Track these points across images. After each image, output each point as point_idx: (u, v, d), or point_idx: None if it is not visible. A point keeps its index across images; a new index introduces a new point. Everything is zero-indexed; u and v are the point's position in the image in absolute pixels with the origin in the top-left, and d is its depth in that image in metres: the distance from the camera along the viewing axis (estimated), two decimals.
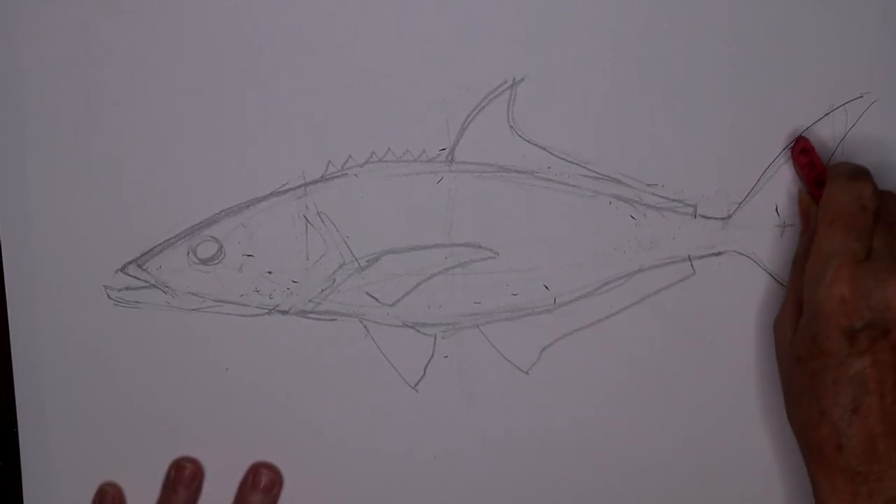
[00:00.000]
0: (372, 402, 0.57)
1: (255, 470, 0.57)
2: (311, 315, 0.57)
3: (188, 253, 0.56)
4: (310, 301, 0.56)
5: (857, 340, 0.47)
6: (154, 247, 0.56)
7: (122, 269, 0.56)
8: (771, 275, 0.57)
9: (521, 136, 0.56)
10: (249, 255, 0.56)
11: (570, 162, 0.56)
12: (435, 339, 0.57)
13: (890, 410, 0.47)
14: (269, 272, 0.56)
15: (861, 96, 0.56)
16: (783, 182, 0.57)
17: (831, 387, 0.47)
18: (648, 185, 0.57)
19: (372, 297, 0.57)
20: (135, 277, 0.56)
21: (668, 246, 0.57)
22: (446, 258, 0.56)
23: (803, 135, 0.55)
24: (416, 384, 0.57)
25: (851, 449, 0.47)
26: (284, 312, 0.56)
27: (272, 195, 0.56)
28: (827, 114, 0.56)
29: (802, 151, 0.55)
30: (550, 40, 0.56)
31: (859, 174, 0.51)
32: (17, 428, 0.57)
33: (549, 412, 0.57)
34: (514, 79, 0.56)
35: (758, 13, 0.56)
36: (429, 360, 0.57)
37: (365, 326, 0.57)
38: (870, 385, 0.47)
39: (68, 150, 0.55)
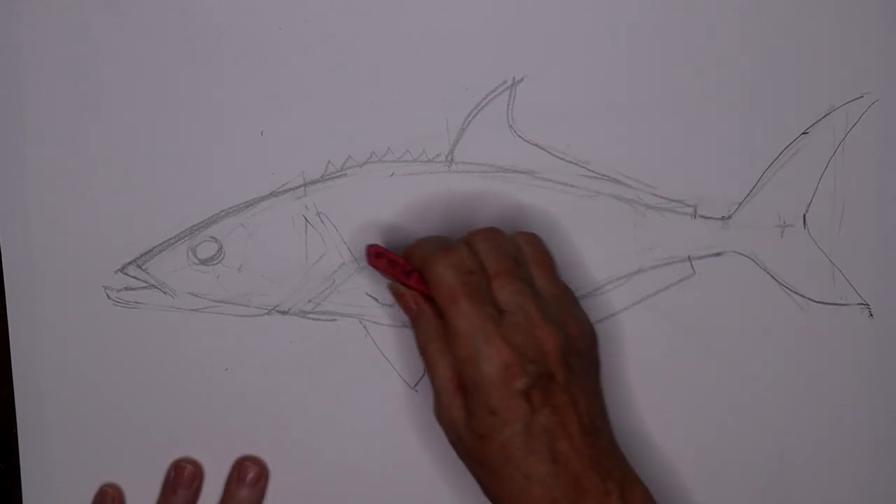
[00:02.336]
0: (372, 402, 0.57)
1: (241, 464, 0.57)
2: (310, 315, 0.57)
3: (188, 253, 0.56)
4: (309, 301, 0.56)
5: (532, 396, 0.47)
6: (154, 247, 0.56)
7: (122, 270, 0.56)
8: (771, 275, 0.57)
9: (520, 136, 0.56)
10: (249, 256, 0.56)
11: (569, 162, 0.56)
12: None
13: (581, 447, 0.48)
14: (269, 272, 0.56)
15: (861, 97, 0.56)
16: (783, 182, 0.57)
17: (525, 450, 0.47)
18: (648, 185, 0.57)
19: (372, 297, 0.56)
20: (134, 278, 0.56)
21: (667, 246, 0.57)
22: None
23: (372, 244, 0.53)
24: (416, 384, 0.57)
25: (566, 496, 0.47)
26: (284, 313, 0.56)
27: (272, 195, 0.56)
28: (827, 114, 0.56)
29: (377, 256, 0.53)
30: (550, 40, 0.56)
31: (445, 244, 0.50)
32: (16, 429, 0.57)
33: None
34: (513, 79, 0.56)
35: (758, 14, 0.56)
36: None
37: (365, 326, 0.57)
38: (557, 432, 0.47)
39: (68, 150, 0.55)
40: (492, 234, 0.51)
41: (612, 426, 0.51)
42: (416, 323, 0.51)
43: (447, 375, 0.49)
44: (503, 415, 0.47)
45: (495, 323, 0.48)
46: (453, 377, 0.49)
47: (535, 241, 0.52)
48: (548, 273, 0.51)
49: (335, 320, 0.57)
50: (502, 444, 0.47)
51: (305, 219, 0.56)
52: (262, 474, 0.57)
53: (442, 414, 0.50)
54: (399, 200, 0.56)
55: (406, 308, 0.52)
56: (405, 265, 0.52)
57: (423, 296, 0.51)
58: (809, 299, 0.57)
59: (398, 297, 0.52)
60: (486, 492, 0.50)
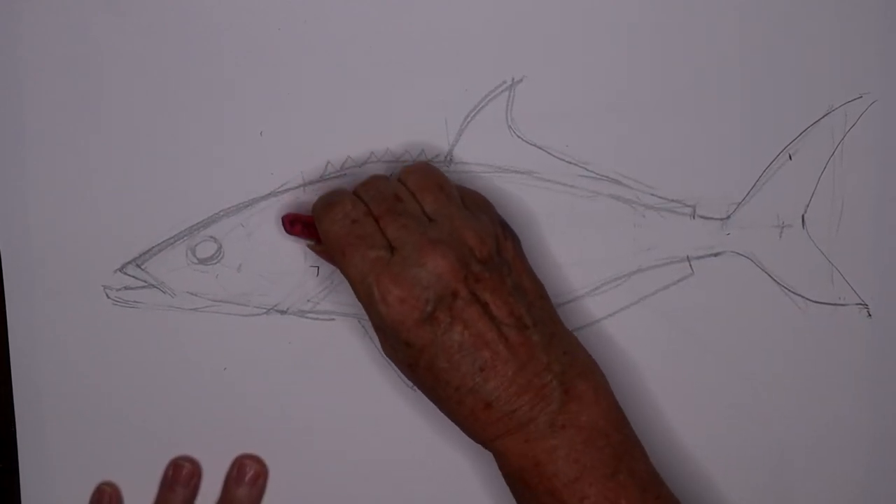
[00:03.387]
0: (371, 402, 0.57)
1: (240, 462, 0.57)
2: (309, 315, 0.57)
3: (187, 253, 0.56)
4: (308, 301, 0.56)
5: (438, 318, 0.48)
6: (153, 246, 0.56)
7: (121, 269, 0.56)
8: (769, 275, 0.57)
9: (519, 137, 0.56)
10: (248, 255, 0.56)
11: (568, 162, 0.56)
12: None
13: (506, 350, 0.48)
14: (268, 272, 0.56)
15: (861, 97, 0.56)
16: (782, 183, 0.57)
17: (449, 367, 0.48)
18: (647, 185, 0.57)
19: None
20: (133, 277, 0.56)
21: (666, 246, 0.57)
22: None
23: (286, 213, 0.55)
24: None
25: (498, 398, 0.48)
26: (283, 312, 0.56)
27: (271, 195, 0.56)
28: (826, 114, 0.56)
29: (293, 223, 0.54)
30: (550, 41, 0.56)
31: (331, 199, 0.51)
32: (14, 428, 0.57)
33: None
34: (512, 79, 0.56)
35: (757, 14, 0.56)
36: None
37: (363, 326, 0.57)
38: (477, 343, 0.48)
39: (67, 149, 0.55)
40: (373, 180, 0.52)
41: (555, 317, 0.51)
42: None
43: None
44: (417, 344, 0.48)
45: (383, 264, 0.48)
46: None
47: (420, 169, 0.52)
48: (436, 194, 0.51)
49: (334, 319, 0.57)
50: (427, 367, 0.49)
51: None
52: (261, 473, 0.57)
53: (385, 353, 0.51)
54: None
55: (326, 255, 0.54)
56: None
57: None
58: (808, 299, 0.57)
59: (320, 254, 0.54)
60: (446, 414, 0.51)
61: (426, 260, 0.48)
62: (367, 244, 0.49)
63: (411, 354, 0.49)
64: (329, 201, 0.51)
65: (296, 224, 0.54)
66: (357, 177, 0.55)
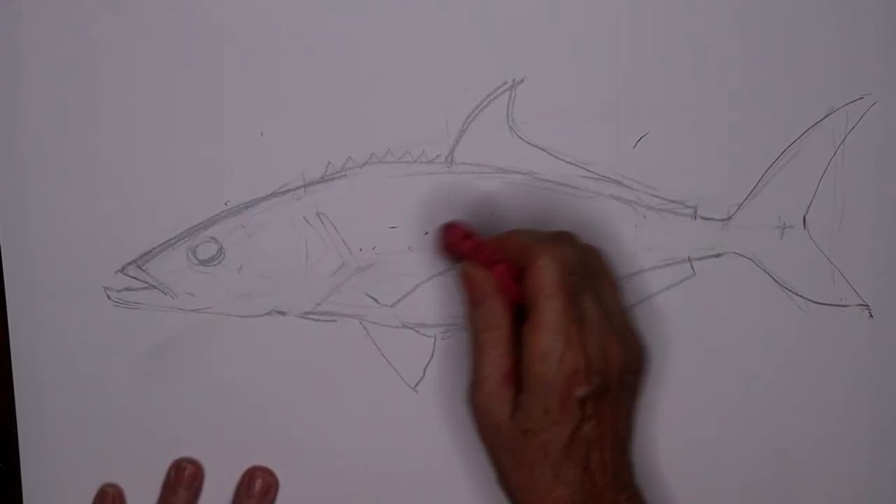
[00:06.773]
0: (372, 402, 0.57)
1: (251, 474, 0.57)
2: (310, 316, 0.57)
3: (188, 254, 0.56)
4: (309, 302, 0.56)
5: (587, 406, 0.48)
6: (154, 248, 0.56)
7: (122, 270, 0.56)
8: (771, 276, 0.57)
9: (520, 138, 0.56)
10: (249, 256, 0.56)
11: (569, 163, 0.56)
12: (435, 339, 0.57)
13: (608, 461, 0.49)
14: (269, 273, 0.56)
15: (861, 98, 0.56)
16: (783, 184, 0.57)
17: (564, 453, 0.48)
18: (648, 186, 0.57)
19: (372, 297, 0.56)
20: (134, 278, 0.56)
21: (667, 247, 0.57)
22: None
23: (453, 223, 0.52)
24: (416, 385, 0.57)
25: (582, 502, 0.48)
26: (284, 313, 0.56)
27: (272, 196, 0.56)
28: (827, 115, 0.56)
29: (466, 237, 0.51)
30: (550, 41, 0.56)
31: (552, 240, 0.50)
32: (16, 429, 0.57)
33: None
34: (513, 80, 0.56)
35: (758, 15, 0.56)
36: (428, 361, 0.57)
37: (365, 327, 0.57)
38: (595, 444, 0.49)
39: (68, 150, 0.55)
40: (584, 245, 0.52)
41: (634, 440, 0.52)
42: (477, 307, 0.51)
43: (497, 365, 0.50)
44: (556, 416, 0.48)
45: (578, 328, 0.48)
46: (504, 367, 0.50)
47: (604, 256, 0.53)
48: (615, 288, 0.52)
49: (335, 321, 0.57)
50: (545, 442, 0.48)
51: (305, 219, 0.56)
52: (272, 484, 0.57)
53: (482, 401, 0.50)
54: (399, 201, 0.56)
55: (473, 290, 0.51)
56: (493, 253, 0.51)
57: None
58: (809, 300, 0.57)
59: (470, 279, 0.51)
60: (505, 479, 0.50)
61: (608, 347, 0.49)
62: (572, 303, 0.49)
63: (541, 422, 0.48)
64: (550, 241, 0.50)
65: (469, 240, 0.51)
66: (359, 177, 0.55)
